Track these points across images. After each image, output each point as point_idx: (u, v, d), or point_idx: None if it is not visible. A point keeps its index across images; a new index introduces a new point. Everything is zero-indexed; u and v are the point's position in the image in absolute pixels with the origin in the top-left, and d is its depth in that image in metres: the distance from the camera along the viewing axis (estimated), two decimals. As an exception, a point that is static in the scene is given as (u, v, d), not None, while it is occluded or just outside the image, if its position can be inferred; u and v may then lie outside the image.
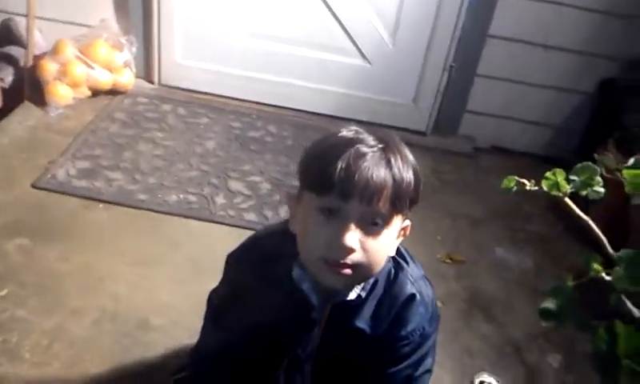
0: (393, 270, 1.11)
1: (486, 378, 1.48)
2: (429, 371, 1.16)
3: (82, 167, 2.20)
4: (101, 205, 2.06)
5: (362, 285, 1.08)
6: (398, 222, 1.00)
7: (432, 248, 2.05)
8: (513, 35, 2.50)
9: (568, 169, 1.01)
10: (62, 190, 2.08)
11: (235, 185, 2.22)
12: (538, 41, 2.50)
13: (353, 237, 0.95)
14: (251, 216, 2.08)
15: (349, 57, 2.63)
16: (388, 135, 1.01)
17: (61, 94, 2.51)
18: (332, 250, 0.96)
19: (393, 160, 0.96)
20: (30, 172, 2.14)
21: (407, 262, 1.13)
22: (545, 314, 1.05)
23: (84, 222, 1.98)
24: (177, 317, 1.68)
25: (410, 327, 1.10)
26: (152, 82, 2.73)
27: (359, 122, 2.64)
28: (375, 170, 0.94)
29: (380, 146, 0.97)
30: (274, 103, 2.71)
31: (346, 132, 0.99)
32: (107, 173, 2.19)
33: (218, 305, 1.22)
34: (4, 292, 1.68)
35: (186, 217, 2.05)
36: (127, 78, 2.65)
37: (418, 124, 2.70)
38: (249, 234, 1.89)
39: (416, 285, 1.11)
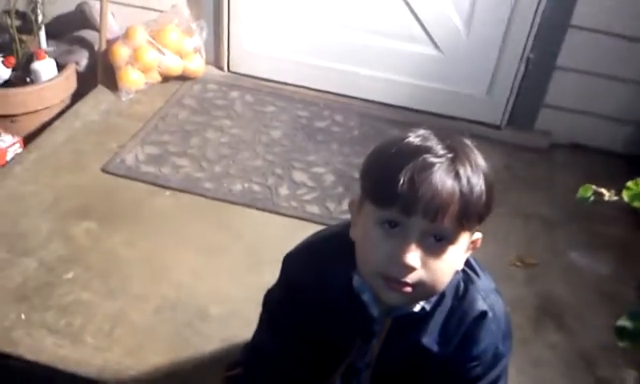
0: (462, 284, 1.04)
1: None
2: None
3: (150, 152, 2.23)
4: (167, 191, 2.07)
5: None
6: (465, 238, 0.93)
7: (503, 249, 1.95)
8: (595, 25, 2.34)
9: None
10: (130, 175, 2.11)
11: (299, 176, 2.19)
12: (621, 32, 2.33)
13: (414, 256, 0.89)
14: (314, 208, 2.04)
15: (421, 46, 2.54)
16: (458, 142, 0.93)
17: (132, 79, 2.54)
18: (391, 266, 0.91)
19: (462, 171, 0.88)
20: (100, 156, 2.18)
21: (477, 275, 1.06)
22: (620, 332, 0.97)
23: (150, 207, 2.00)
24: (234, 307, 1.67)
25: (481, 347, 1.02)
26: (221, 69, 2.73)
27: (430, 115, 2.57)
28: (441, 183, 0.87)
29: (449, 155, 0.89)
30: (342, 92, 2.66)
31: (413, 138, 0.92)
32: (175, 159, 2.21)
33: (274, 306, 1.19)
34: (70, 275, 1.72)
35: (249, 206, 2.03)
36: (197, 64, 2.66)
37: (491, 117, 2.59)
38: (311, 226, 1.91)
39: (487, 300, 1.03)
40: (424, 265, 0.90)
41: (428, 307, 1.02)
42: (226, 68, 2.73)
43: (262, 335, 1.21)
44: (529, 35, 2.40)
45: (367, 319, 1.05)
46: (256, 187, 2.11)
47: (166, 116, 2.44)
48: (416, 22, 2.50)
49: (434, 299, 1.02)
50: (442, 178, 0.87)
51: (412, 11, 2.48)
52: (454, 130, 1.00)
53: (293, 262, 1.14)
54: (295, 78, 2.69)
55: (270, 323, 1.20)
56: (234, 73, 2.74)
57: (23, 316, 1.60)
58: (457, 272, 1.01)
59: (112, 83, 2.56)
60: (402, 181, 0.87)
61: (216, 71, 2.72)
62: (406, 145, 0.91)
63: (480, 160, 0.93)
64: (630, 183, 0.89)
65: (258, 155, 2.27)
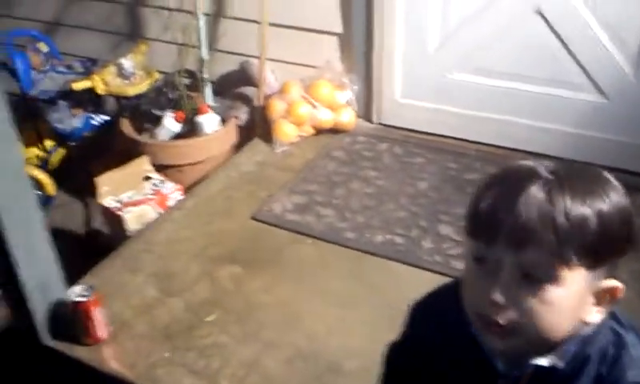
0: (611, 348, 0.88)
1: None
2: None
3: (297, 202, 2.27)
4: (309, 240, 2.09)
5: (558, 351, 0.87)
6: (579, 279, 0.80)
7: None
8: None
9: None
10: (276, 223, 2.16)
11: (445, 229, 2.10)
12: None
13: (500, 289, 0.80)
14: (460, 264, 1.94)
15: (581, 91, 2.34)
16: (575, 171, 0.82)
17: (286, 131, 2.63)
18: (480, 304, 0.83)
19: (560, 195, 0.77)
20: (250, 204, 2.27)
21: (633, 339, 0.88)
22: None
23: (292, 255, 2.03)
24: (369, 364, 1.57)
25: None
26: (371, 121, 2.74)
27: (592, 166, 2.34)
28: (526, 206, 0.77)
29: (550, 177, 0.79)
30: (495, 143, 2.53)
31: (519, 162, 0.84)
32: (319, 209, 2.23)
33: (393, 361, 1.12)
34: (211, 317, 1.78)
35: (390, 259, 1.98)
36: (348, 117, 2.69)
37: (666, 169, 2.30)
38: (454, 283, 1.80)
39: None
40: (515, 304, 0.80)
41: (561, 364, 0.88)
42: (375, 120, 2.74)
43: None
44: None
45: (492, 375, 0.94)
46: (398, 239, 2.06)
47: (315, 167, 2.49)
48: (576, 65, 2.31)
49: (568, 355, 0.88)
50: (529, 201, 0.77)
51: (570, 53, 2.30)
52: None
53: (416, 311, 1.07)
54: (445, 129, 2.61)
55: (387, 379, 1.12)
56: (384, 125, 2.73)
57: (167, 354, 1.67)
58: (599, 330, 0.86)
59: (268, 136, 2.67)
60: (484, 206, 0.80)
61: (366, 123, 2.74)
62: (505, 170, 0.84)
63: (603, 187, 0.80)
64: None
65: (402, 207, 2.22)
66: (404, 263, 1.96)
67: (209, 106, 2.72)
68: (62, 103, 2.81)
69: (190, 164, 2.62)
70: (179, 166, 2.61)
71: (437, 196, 2.27)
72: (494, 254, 0.81)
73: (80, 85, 2.69)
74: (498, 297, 0.80)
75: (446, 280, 1.79)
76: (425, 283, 1.82)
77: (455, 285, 1.05)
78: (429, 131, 2.64)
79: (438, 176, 2.39)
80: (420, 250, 2.01)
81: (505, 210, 0.79)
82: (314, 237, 2.09)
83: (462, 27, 2.47)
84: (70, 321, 1.70)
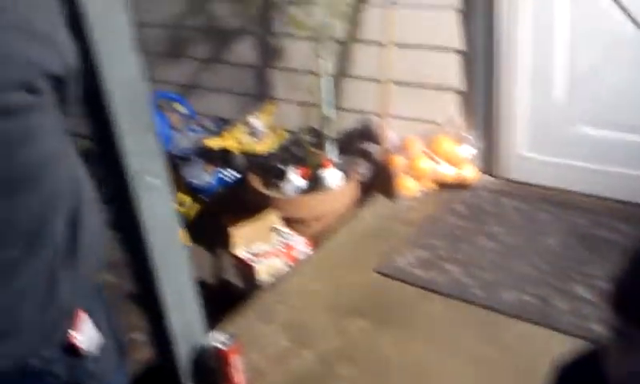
0: None
1: None
2: None
3: (420, 256, 2.30)
4: (436, 296, 2.10)
5: None
6: None
7: None
8: None
9: None
10: (400, 277, 2.20)
11: (578, 289, 2.04)
12: None
13: (633, 366, 0.79)
14: (598, 327, 1.87)
15: None
16: None
17: (408, 186, 2.69)
18: (616, 375, 0.83)
19: None
20: (374, 257, 2.32)
21: None
22: None
23: (419, 311, 2.04)
24: None
25: None
26: (493, 176, 2.73)
27: None
28: None
29: None
30: (625, 199, 2.44)
31: None
32: (443, 264, 2.24)
33: None
34: (342, 370, 1.82)
35: (522, 319, 1.94)
36: (470, 172, 2.69)
37: None
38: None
39: None
40: None
41: None
42: (498, 174, 2.73)
43: None
44: None
45: None
46: (528, 298, 2.02)
47: (437, 221, 2.51)
48: None
49: None
50: None
51: None
52: None
53: (562, 374, 1.06)
54: (571, 184, 2.55)
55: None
56: (506, 179, 2.72)
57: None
58: None
59: (389, 191, 2.72)
60: (623, 279, 0.80)
61: (487, 178, 2.73)
62: None
63: None
64: None
65: (530, 264, 2.18)
66: (536, 324, 1.92)
67: (332, 162, 2.82)
68: (196, 160, 3.02)
69: (314, 218, 2.71)
70: (304, 219, 2.71)
71: (566, 253, 2.22)
72: (627, 329, 0.80)
73: (215, 143, 2.88)
74: (629, 373, 0.80)
75: (583, 343, 1.75)
76: (560, 346, 1.80)
77: (600, 349, 1.05)
78: (553, 186, 2.60)
79: (566, 232, 2.34)
80: (554, 310, 1.96)
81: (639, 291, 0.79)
82: (441, 293, 2.10)
83: (589, 79, 2.45)
84: (211, 367, 1.80)
